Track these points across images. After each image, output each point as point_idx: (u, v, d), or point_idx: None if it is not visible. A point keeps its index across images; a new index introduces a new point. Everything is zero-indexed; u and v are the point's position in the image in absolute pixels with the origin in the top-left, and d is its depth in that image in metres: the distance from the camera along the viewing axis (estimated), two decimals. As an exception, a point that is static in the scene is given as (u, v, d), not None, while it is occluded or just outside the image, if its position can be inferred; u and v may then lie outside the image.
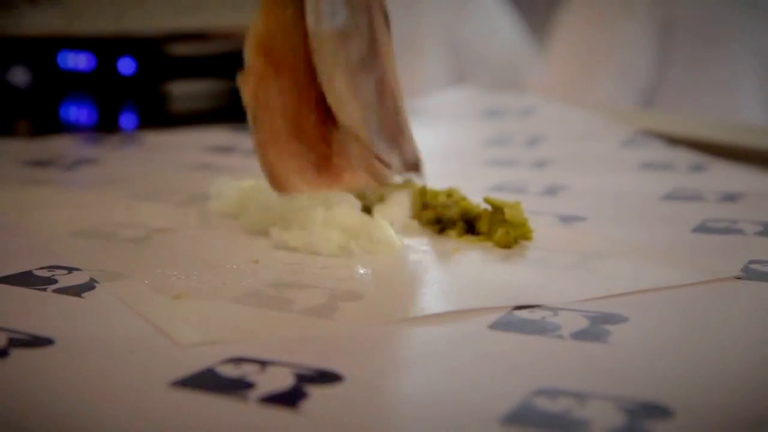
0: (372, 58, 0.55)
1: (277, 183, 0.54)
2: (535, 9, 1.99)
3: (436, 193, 0.60)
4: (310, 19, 0.53)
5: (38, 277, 0.50)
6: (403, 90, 0.57)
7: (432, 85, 1.61)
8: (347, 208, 0.56)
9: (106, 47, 1.10)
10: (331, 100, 0.54)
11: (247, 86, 0.54)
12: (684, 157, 0.80)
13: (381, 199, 0.61)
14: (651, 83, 1.50)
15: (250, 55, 0.54)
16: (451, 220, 0.58)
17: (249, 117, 0.55)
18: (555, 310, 0.46)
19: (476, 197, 0.60)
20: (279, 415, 0.35)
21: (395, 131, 0.55)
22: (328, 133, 0.54)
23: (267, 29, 0.54)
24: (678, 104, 1.47)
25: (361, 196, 0.61)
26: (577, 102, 1.14)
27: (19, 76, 1.11)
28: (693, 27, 1.49)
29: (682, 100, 1.48)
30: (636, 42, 1.51)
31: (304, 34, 0.54)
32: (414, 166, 0.57)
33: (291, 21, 0.54)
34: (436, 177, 0.66)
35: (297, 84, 0.54)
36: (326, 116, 0.54)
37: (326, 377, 0.38)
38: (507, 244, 0.55)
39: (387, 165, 0.55)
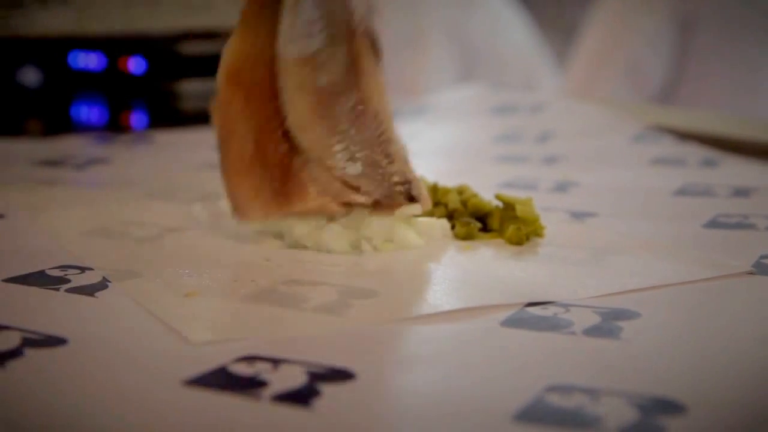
0: (349, 84, 0.54)
1: (236, 209, 0.54)
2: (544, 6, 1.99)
3: (447, 190, 0.60)
4: (280, 42, 0.53)
5: (51, 276, 0.50)
6: (391, 118, 0.55)
7: (438, 83, 1.61)
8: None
9: (116, 47, 1.10)
10: (291, 122, 0.54)
11: (216, 113, 0.55)
12: (695, 152, 0.79)
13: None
14: (667, 81, 1.50)
15: (222, 84, 0.55)
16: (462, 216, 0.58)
17: (217, 144, 0.55)
18: (567, 306, 0.46)
19: (487, 194, 0.60)
20: (292, 413, 0.35)
21: (377, 157, 0.54)
22: (291, 160, 0.54)
23: (239, 55, 0.54)
24: (694, 102, 1.46)
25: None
26: (587, 98, 1.14)
27: (31, 76, 1.11)
28: (713, 25, 1.48)
29: (699, 98, 1.47)
30: (652, 39, 1.50)
31: (274, 60, 0.54)
32: (405, 193, 0.55)
33: (262, 47, 0.54)
34: (446, 174, 0.66)
35: (264, 110, 0.54)
36: (289, 142, 0.54)
37: (339, 375, 0.38)
38: (518, 241, 0.55)
39: (354, 189, 0.54)
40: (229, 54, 0.55)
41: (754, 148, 0.80)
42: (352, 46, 0.54)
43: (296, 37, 0.53)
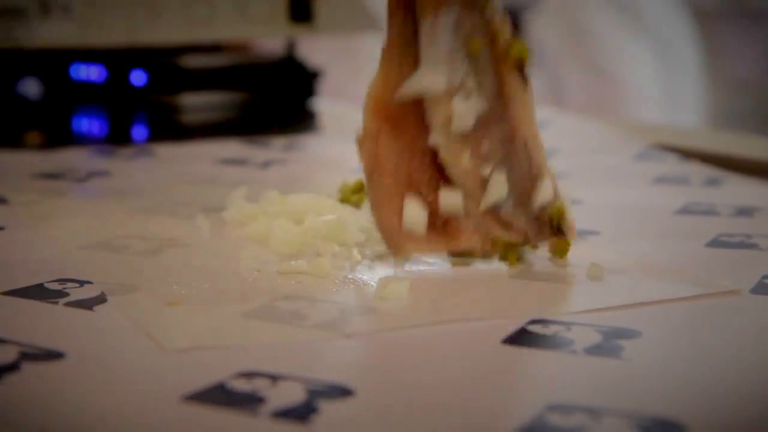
0: (497, 113, 0.53)
1: (391, 243, 0.53)
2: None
3: None
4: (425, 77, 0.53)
5: (50, 290, 0.50)
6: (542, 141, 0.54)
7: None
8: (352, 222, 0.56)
9: (118, 59, 1.10)
10: (442, 155, 0.53)
11: (364, 148, 0.53)
12: (698, 171, 0.79)
13: None
14: None
15: (367, 117, 0.53)
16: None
17: (365, 178, 0.54)
18: (568, 324, 0.45)
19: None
20: (290, 430, 0.35)
21: (528, 191, 0.53)
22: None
23: (384, 90, 0.53)
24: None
25: None
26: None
27: (32, 87, 1.11)
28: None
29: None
30: None
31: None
32: (553, 226, 0.54)
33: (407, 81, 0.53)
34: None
35: (413, 143, 0.53)
36: (442, 175, 0.53)
37: (338, 392, 0.38)
38: (518, 259, 0.55)
39: (506, 226, 0.53)
40: (374, 89, 0.53)
41: (757, 167, 0.80)
42: (498, 72, 0.53)
43: (439, 69, 0.52)
